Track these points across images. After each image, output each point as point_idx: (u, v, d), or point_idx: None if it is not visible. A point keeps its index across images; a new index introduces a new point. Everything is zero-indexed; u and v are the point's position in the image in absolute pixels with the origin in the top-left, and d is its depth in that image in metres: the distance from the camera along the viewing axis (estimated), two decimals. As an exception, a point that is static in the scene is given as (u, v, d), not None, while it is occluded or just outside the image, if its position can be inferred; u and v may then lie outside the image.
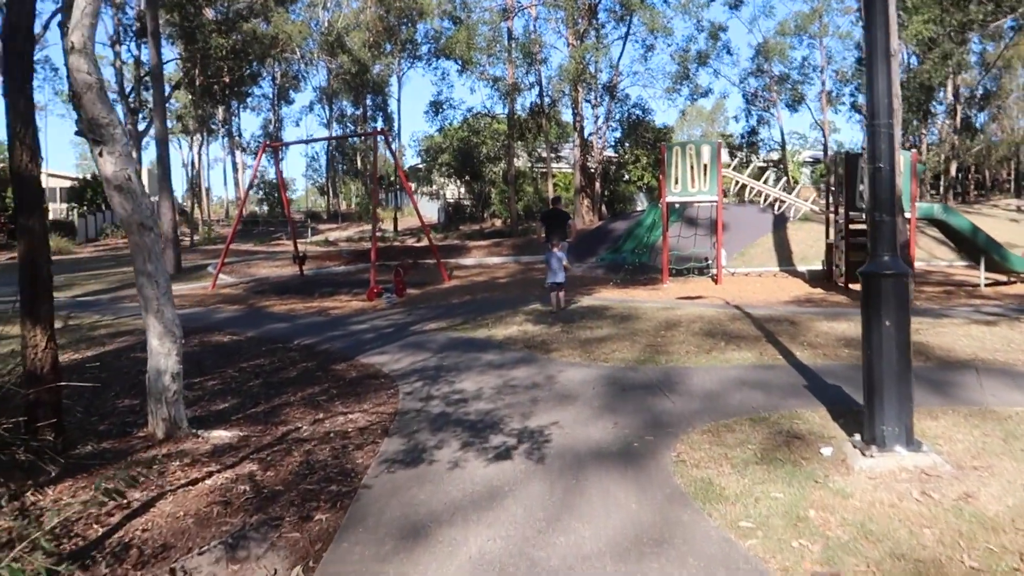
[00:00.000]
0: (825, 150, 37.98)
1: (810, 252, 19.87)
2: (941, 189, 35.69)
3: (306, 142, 33.07)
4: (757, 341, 7.79)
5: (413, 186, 53.58)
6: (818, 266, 18.52)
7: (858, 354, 6.97)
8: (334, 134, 52.62)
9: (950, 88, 37.16)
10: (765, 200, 15.32)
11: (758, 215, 22.35)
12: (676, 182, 14.84)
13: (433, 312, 11.20)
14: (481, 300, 12.86)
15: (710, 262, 17.53)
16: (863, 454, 4.07)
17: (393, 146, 53.92)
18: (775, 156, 41.92)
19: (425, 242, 36.15)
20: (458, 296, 13.75)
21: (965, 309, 10.04)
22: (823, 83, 36.47)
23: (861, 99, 41.63)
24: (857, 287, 13.57)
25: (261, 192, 40.27)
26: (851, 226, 13.46)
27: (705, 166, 14.61)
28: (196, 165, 51.11)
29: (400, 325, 9.81)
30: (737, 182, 15.75)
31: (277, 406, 5.49)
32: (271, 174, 65.13)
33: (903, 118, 36.61)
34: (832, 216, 15.03)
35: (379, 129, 15.10)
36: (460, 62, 26.95)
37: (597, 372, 6.51)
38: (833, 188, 15.22)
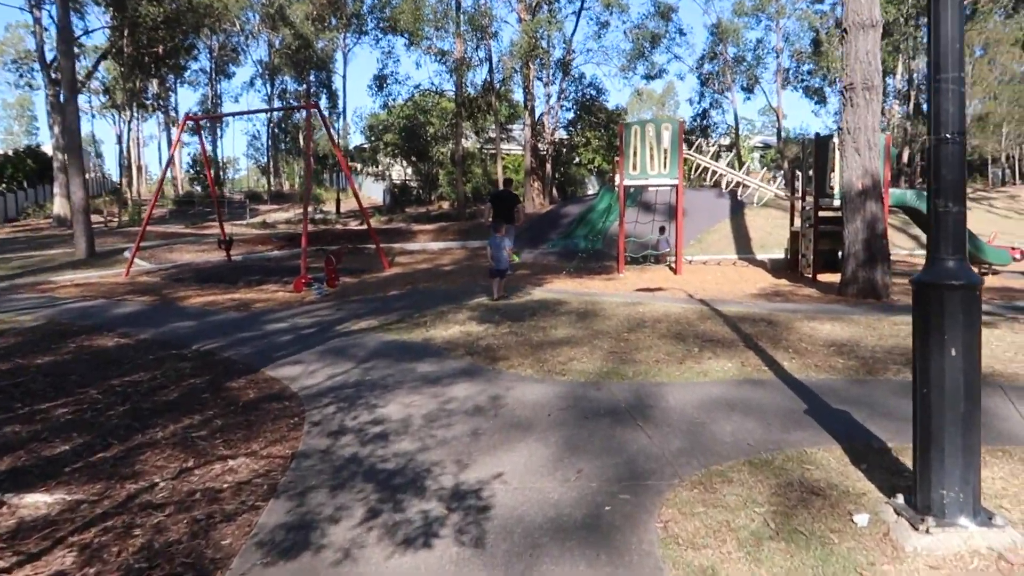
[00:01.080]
0: (779, 134, 37.57)
1: (769, 239, 19.13)
2: (892, 175, 35.64)
3: (231, 115, 31.05)
4: (735, 346, 6.76)
5: (358, 166, 51.72)
6: (778, 254, 17.76)
7: (854, 365, 5.99)
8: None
9: (899, 73, 37.12)
10: (728, 185, 14.39)
11: (715, 200, 21.54)
12: (635, 164, 13.78)
13: (367, 307, 9.92)
14: (422, 291, 11.62)
15: (668, 249, 16.57)
16: (915, 527, 3.01)
17: (338, 124, 51.97)
18: (725, 141, 41.43)
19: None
20: (397, 286, 12.47)
21: (949, 305, 9.22)
22: (779, 64, 35.92)
23: (815, 82, 41.41)
24: (826, 278, 12.76)
25: (193, 171, 37.94)
26: (820, 213, 12.61)
27: (665, 148, 13.58)
28: (128, 141, 48.22)
29: (326, 323, 8.51)
30: (697, 165, 14.77)
31: (136, 447, 4.20)
32: (194, 147, 62.41)
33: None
34: (799, 203, 14.18)
35: (310, 102, 13.53)
36: (407, 36, 25.45)
37: (553, 390, 5.37)
38: (799, 173, 14.35)
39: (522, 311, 9.02)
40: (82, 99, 64.67)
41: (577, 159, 36.24)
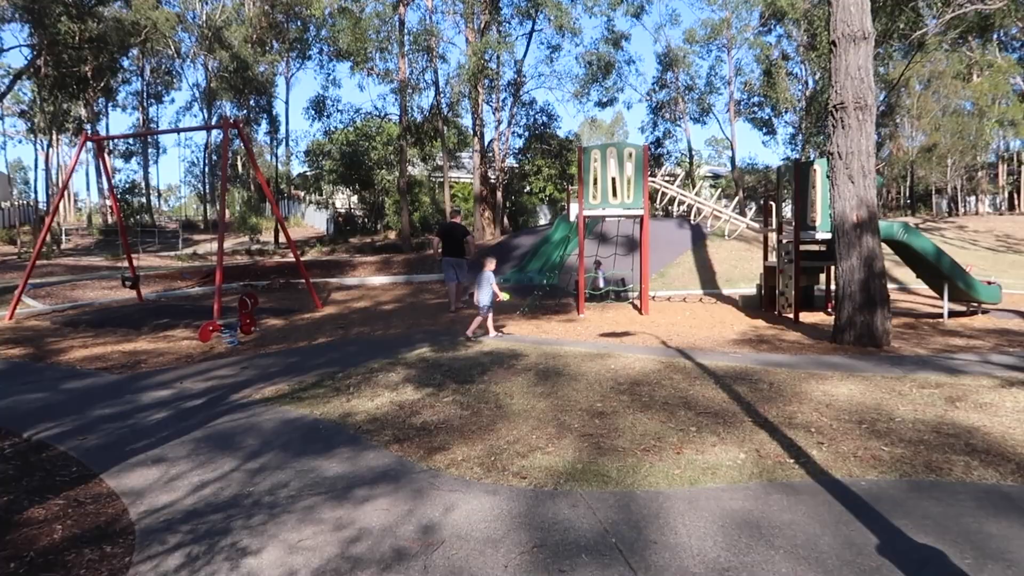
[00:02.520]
0: (733, 163, 37.02)
1: (734, 273, 17.99)
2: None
3: (137, 136, 28.48)
4: (739, 423, 5.31)
5: (301, 194, 49.61)
6: (746, 290, 16.59)
7: (905, 455, 4.53)
8: (213, 137, 47.98)
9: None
10: (696, 215, 13.15)
11: (675, 230, 20.39)
12: (595, 193, 12.43)
13: (282, 362, 8.22)
14: (354, 339, 9.95)
15: (631, 286, 15.24)
16: None
17: (279, 151, 49.92)
18: (676, 171, 40.73)
19: (310, 255, 32.62)
20: (327, 332, 10.77)
21: (964, 356, 7.97)
22: (731, 94, 35.42)
23: (765, 114, 41.18)
24: (808, 318, 11.53)
25: (106, 198, 35.51)
26: (800, 247, 11.41)
27: (629, 175, 12.27)
28: (49, 168, 45.33)
29: (222, 389, 6.79)
30: (663, 193, 13.49)
31: None
32: (126, 173, 59.27)
33: (811, 132, 36.13)
34: (771, 236, 12.99)
35: (230, 120, 11.90)
36: (349, 58, 23.90)
37: (511, 508, 3.80)
38: (772, 204, 13.19)
39: (471, 368, 7.45)
40: (8, 122, 61.35)
41: (528, 188, 35.01)
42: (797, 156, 41.03)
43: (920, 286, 14.39)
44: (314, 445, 4.91)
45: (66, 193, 66.91)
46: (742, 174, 42.56)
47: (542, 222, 40.55)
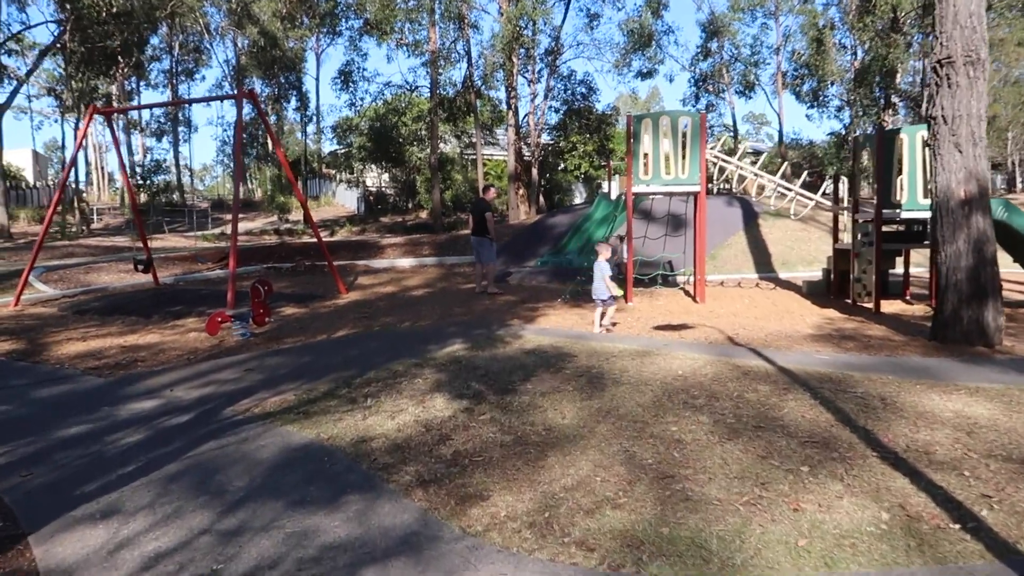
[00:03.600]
0: (781, 137, 35.18)
1: (791, 255, 16.60)
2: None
3: (147, 107, 27.55)
4: (861, 458, 4.11)
5: (333, 173, 48.78)
6: (804, 273, 15.24)
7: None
8: (241, 114, 47.31)
9: (898, 76, 34.96)
10: (759, 192, 11.81)
11: (725, 208, 18.99)
12: (646, 167, 11.16)
13: (294, 362, 7.17)
14: (377, 332, 8.88)
15: (683, 270, 13.97)
16: None
17: (310, 128, 49.08)
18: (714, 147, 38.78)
19: (339, 235, 31.72)
20: (349, 322, 9.73)
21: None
22: (779, 64, 33.51)
23: (810, 85, 39.07)
24: (890, 307, 10.20)
25: (140, 178, 34.89)
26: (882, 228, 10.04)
27: (684, 147, 10.97)
28: (77, 145, 45.06)
29: (217, 400, 5.76)
30: (720, 168, 12.16)
31: None
32: (158, 153, 58.77)
33: (863, 104, 34.10)
34: (845, 215, 11.62)
35: (244, 91, 10.89)
36: (378, 31, 22.73)
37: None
38: (844, 180, 11.78)
39: (511, 372, 6.32)
40: (44, 102, 61.39)
41: (563, 165, 33.65)
42: (843, 131, 38.96)
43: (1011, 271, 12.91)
44: (316, 489, 3.82)
45: (101, 172, 67.07)
46: (786, 149, 40.62)
47: (577, 201, 39.17)
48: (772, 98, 35.99)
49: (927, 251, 12.83)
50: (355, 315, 10.50)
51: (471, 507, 3.55)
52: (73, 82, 36.15)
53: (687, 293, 12.73)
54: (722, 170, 12.25)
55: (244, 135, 53.09)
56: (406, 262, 19.37)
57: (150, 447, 4.53)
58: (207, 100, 34.46)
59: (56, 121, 57.43)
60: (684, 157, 10.96)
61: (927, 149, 9.53)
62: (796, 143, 47.67)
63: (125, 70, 43.20)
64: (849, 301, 10.99)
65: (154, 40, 48.32)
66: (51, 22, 34.69)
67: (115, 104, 48.48)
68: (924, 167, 9.56)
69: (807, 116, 61.60)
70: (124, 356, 7.74)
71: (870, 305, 10.38)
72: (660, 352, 7.17)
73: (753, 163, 50.51)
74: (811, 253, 16.84)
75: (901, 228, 10.95)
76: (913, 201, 9.60)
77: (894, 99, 32.28)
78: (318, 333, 8.97)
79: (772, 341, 7.87)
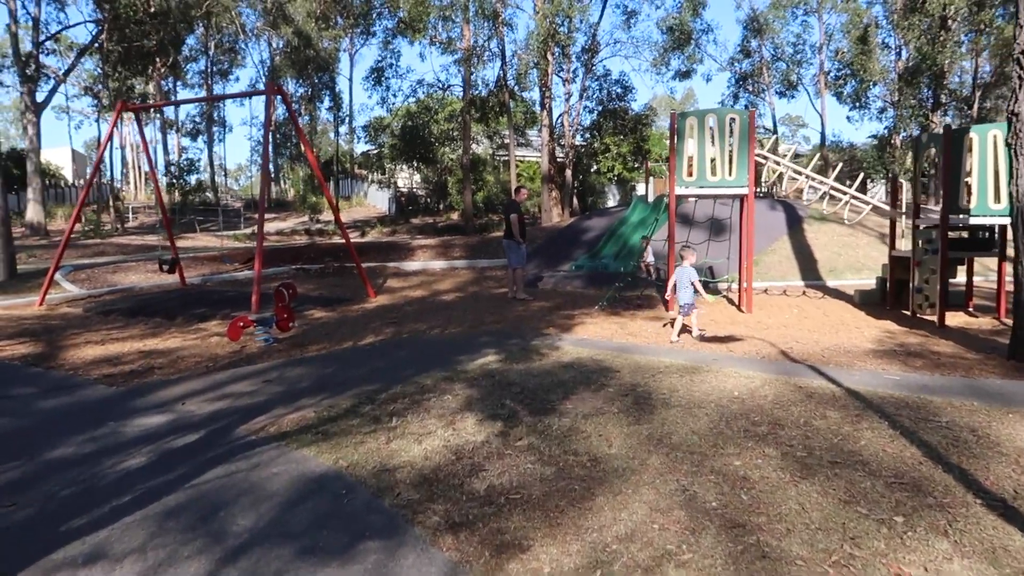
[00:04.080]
0: (823, 139, 34.15)
1: (838, 262, 15.85)
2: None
3: (174, 104, 27.35)
4: (963, 506, 3.51)
5: (365, 173, 48.65)
6: (854, 280, 14.51)
7: None
8: (275, 114, 47.37)
9: (947, 76, 33.68)
10: (799, 194, 11.10)
11: (768, 212, 18.26)
12: (690, 167, 10.56)
13: (316, 373, 6.72)
14: (406, 340, 8.42)
15: (727, 276, 13.32)
16: None
17: (342, 128, 49.02)
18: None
19: (369, 236, 31.44)
20: (376, 328, 9.29)
21: None
22: (821, 63, 32.51)
23: (851, 86, 37.89)
24: (953, 320, 9.48)
25: (173, 177, 34.97)
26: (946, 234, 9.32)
27: (732, 147, 10.36)
28: (105, 142, 45.49)
29: (231, 416, 5.32)
30: (770, 170, 11.50)
31: None
32: (193, 152, 59.06)
33: (910, 105, 32.90)
34: (902, 220, 10.90)
35: (273, 87, 10.50)
36: (412, 30, 22.35)
37: None
38: (902, 182, 11.06)
39: (549, 389, 5.79)
40: (84, 102, 62.34)
41: (596, 167, 33.02)
42: (886, 132, 37.72)
43: None
44: (330, 532, 3.32)
45: (138, 170, 67.90)
46: (828, 152, 39.49)
47: (611, 203, 38.52)
48: (814, 99, 34.84)
49: (989, 260, 12.05)
50: (383, 321, 10.07)
51: (509, 560, 3.03)
52: (110, 81, 36.46)
53: (731, 301, 12.10)
54: (771, 172, 11.59)
55: (277, 135, 53.28)
56: (437, 264, 18.95)
57: (151, 473, 4.09)
58: (237, 96, 34.21)
59: (96, 120, 58.23)
60: (731, 158, 10.34)
61: (998, 150, 8.82)
62: (836, 145, 46.42)
63: (162, 70, 43.58)
64: (908, 313, 10.26)
65: (190, 41, 48.75)
66: (89, 22, 34.98)
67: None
68: (995, 169, 8.84)
69: (848, 118, 59.81)
70: (141, 362, 7.36)
71: (932, 318, 9.67)
72: (710, 368, 6.59)
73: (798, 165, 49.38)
74: (859, 260, 16.07)
75: (964, 235, 10.22)
76: (983, 206, 8.88)
77: (943, 99, 31.07)
78: (344, 340, 8.53)
79: (831, 357, 7.24)
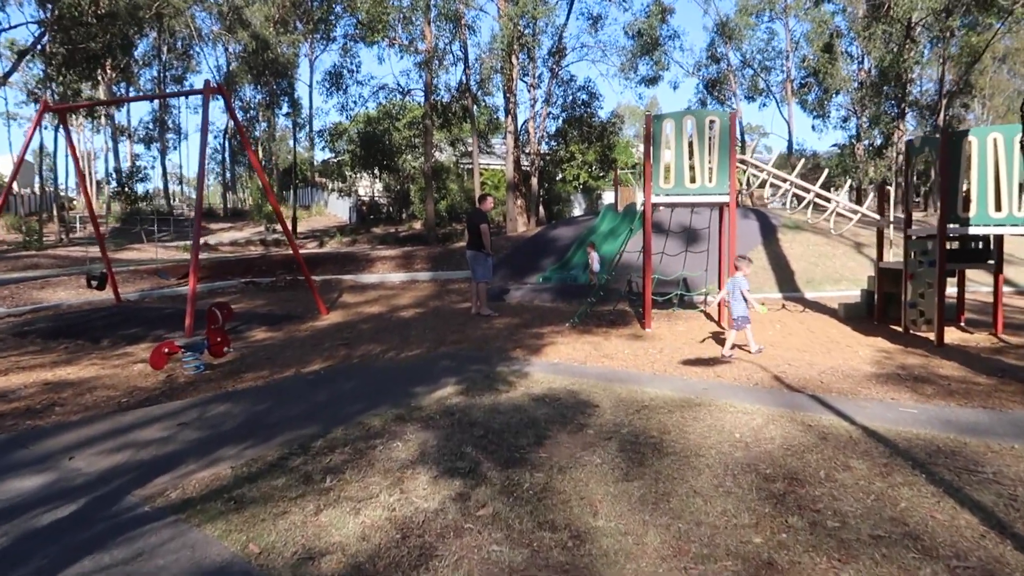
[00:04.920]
0: (790, 147, 33.90)
1: (815, 272, 15.27)
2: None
3: (102, 103, 25.83)
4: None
5: (325, 182, 47.34)
6: (833, 292, 13.92)
7: None
8: (229, 120, 45.88)
9: (910, 85, 33.75)
10: (800, 204, 10.37)
11: (741, 221, 17.60)
12: (667, 173, 9.80)
13: (245, 411, 5.74)
14: (356, 367, 7.47)
15: (704, 289, 12.60)
16: None
17: (301, 135, 47.71)
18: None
19: (328, 247, 30.30)
20: (325, 351, 8.33)
21: None
22: (788, 71, 32.27)
23: (815, 95, 37.81)
24: (950, 336, 8.83)
25: (114, 182, 33.33)
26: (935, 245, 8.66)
27: (712, 151, 9.63)
28: (25, 145, 43.59)
29: (126, 475, 4.33)
30: (750, 174, 10.79)
31: None
32: (146, 160, 57.13)
33: (874, 114, 32.81)
34: (888, 229, 10.26)
35: (210, 85, 9.41)
36: (372, 36, 21.34)
37: None
38: (888, 189, 10.45)
39: (518, 431, 4.91)
40: (32, 108, 59.96)
41: (560, 175, 32.33)
42: (852, 141, 37.72)
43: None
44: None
45: (90, 178, 65.56)
46: (797, 159, 39.37)
47: (576, 212, 37.90)
48: (782, 105, 34.60)
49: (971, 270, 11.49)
50: (333, 342, 9.10)
51: None
52: (55, 85, 34.78)
53: (708, 316, 11.37)
54: (754, 179, 10.90)
55: (234, 141, 51.70)
56: (397, 277, 17.97)
57: (-5, 569, 3.10)
58: (171, 96, 32.93)
59: (45, 127, 55.99)
60: (712, 163, 9.60)
61: (998, 155, 8.20)
62: (801, 154, 46.50)
63: (111, 74, 41.91)
64: (899, 329, 9.60)
65: (143, 46, 47.12)
66: (32, 23, 33.31)
67: (102, 109, 47.10)
68: (996, 175, 8.21)
69: (812, 127, 60.17)
70: (42, 398, 6.30)
71: (927, 335, 9.01)
72: (701, 401, 5.76)
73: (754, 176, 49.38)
74: (837, 270, 15.52)
75: (955, 245, 9.60)
76: (983, 215, 8.24)
77: (905, 108, 31.03)
78: (286, 366, 7.55)
79: (831, 383, 6.48)
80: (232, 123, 46.89)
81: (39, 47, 32.36)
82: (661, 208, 15.36)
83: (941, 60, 27.79)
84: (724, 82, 32.08)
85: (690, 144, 9.66)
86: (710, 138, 9.56)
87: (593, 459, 4.37)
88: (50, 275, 15.87)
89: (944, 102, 29.81)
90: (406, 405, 5.71)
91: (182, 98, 56.13)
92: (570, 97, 25.94)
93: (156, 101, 48.62)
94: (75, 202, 62.18)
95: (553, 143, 28.81)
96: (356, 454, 4.53)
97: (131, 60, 43.12)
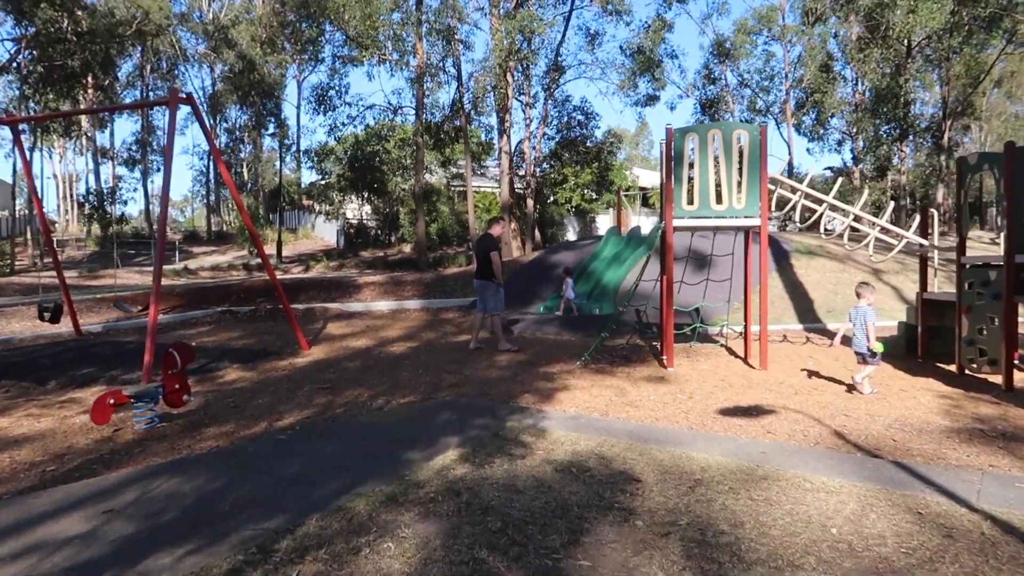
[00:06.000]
0: (791, 168, 33.12)
1: (836, 301, 14.24)
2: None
3: (58, 116, 24.53)
4: None
5: (313, 204, 46.20)
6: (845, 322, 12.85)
7: None
8: (217, 142, 44.80)
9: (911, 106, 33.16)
10: (836, 231, 9.35)
11: (751, 247, 16.64)
12: (690, 194, 8.77)
13: (196, 491, 4.58)
14: (338, 422, 6.30)
15: (726, 321, 11.55)
16: None
17: (287, 157, 46.62)
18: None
19: (314, 271, 29.10)
20: (302, 400, 7.17)
21: None
22: (788, 91, 31.58)
23: (809, 119, 37.16)
24: (996, 378, 7.76)
25: (91, 205, 32.12)
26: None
27: (740, 169, 8.62)
28: (33, 171, 42.35)
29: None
30: (779, 195, 9.76)
31: None
32: (128, 182, 55.75)
33: (872, 137, 32.11)
34: (932, 255, 9.24)
35: (176, 94, 8.32)
36: (356, 40, 20.35)
37: None
38: (933, 212, 9.47)
39: (544, 521, 3.78)
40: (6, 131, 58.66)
41: (553, 198, 31.40)
42: (851, 164, 37.05)
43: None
44: None
45: (71, 201, 64.15)
46: (799, 180, 38.67)
47: (570, 236, 36.93)
48: (780, 126, 33.88)
49: None
50: (313, 385, 7.94)
51: None
52: (32, 103, 33.60)
53: (731, 351, 10.29)
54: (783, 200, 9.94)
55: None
56: (386, 305, 16.82)
57: None
58: (136, 107, 31.78)
59: (28, 148, 54.67)
60: (740, 182, 8.58)
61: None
62: (796, 177, 45.88)
63: (91, 92, 40.78)
64: (951, 368, 8.55)
65: (127, 67, 46.10)
66: (8, 40, 32.18)
67: (83, 130, 45.93)
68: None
69: (807, 150, 59.83)
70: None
71: (987, 376, 7.95)
72: (767, 473, 4.65)
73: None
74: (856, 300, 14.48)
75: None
76: (1058, 240, 7.23)
77: (908, 129, 30.32)
78: (256, 419, 6.38)
79: (906, 442, 5.40)
80: (221, 145, 45.81)
81: (14, 64, 31.29)
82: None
83: (945, 80, 27.13)
84: (721, 102, 31.35)
85: (715, 161, 8.65)
86: (739, 153, 8.55)
87: (652, 569, 3.25)
88: (6, 304, 14.62)
89: (949, 123, 29.08)
90: (399, 479, 4.57)
91: (165, 118, 55.02)
92: (565, 117, 25.06)
93: (140, 122, 47.51)
94: (56, 225, 60.70)
95: (546, 165, 27.91)
96: (334, 561, 3.39)
97: (114, 79, 42.15)
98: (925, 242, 8.96)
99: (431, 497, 4.22)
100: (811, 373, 8.47)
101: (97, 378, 8.55)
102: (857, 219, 9.32)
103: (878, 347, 7.36)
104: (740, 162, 8.59)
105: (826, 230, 10.77)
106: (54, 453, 5.47)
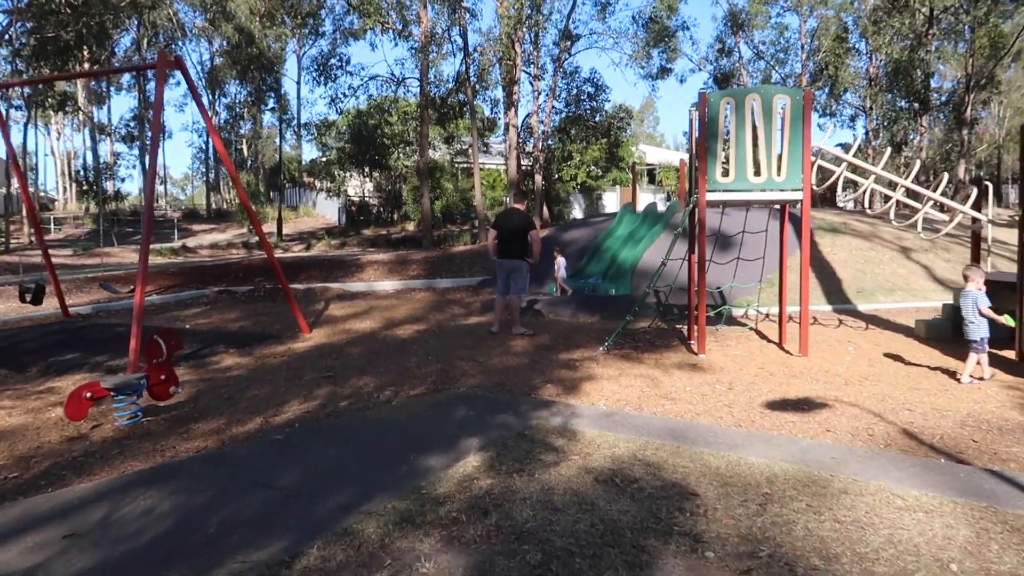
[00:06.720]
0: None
1: (865, 281, 13.54)
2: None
3: (31, 83, 23.58)
4: None
5: (314, 182, 45.40)
6: (887, 303, 12.25)
7: None
8: (216, 118, 43.90)
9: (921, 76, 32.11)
10: (891, 207, 8.58)
11: (772, 223, 15.91)
12: (725, 165, 8.04)
13: (176, 507, 3.91)
14: (342, 416, 5.63)
15: (753, 303, 10.86)
16: None
17: (288, 134, 45.74)
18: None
19: (315, 250, 28.40)
20: (302, 389, 6.50)
21: None
22: (804, 64, 30.59)
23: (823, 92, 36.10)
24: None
25: (87, 181, 31.33)
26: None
27: (779, 139, 7.88)
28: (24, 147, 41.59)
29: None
30: (820, 167, 8.98)
31: None
32: (128, 158, 54.91)
33: (891, 110, 31.14)
34: (988, 231, 8.51)
35: (165, 57, 7.57)
36: (358, 8, 19.49)
37: None
38: (988, 185, 8.70)
39: (592, 545, 3.11)
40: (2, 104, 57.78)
41: (558, 175, 30.58)
42: (864, 139, 36.06)
43: None
44: None
45: (70, 178, 63.30)
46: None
47: (576, 213, 36.15)
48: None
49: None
50: (314, 373, 7.27)
51: None
52: (19, 75, 32.69)
53: (761, 335, 9.60)
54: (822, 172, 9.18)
55: (223, 136, 49.60)
56: (390, 284, 16.13)
57: None
58: (120, 71, 30.91)
59: (16, 123, 53.85)
60: (780, 152, 7.84)
61: None
62: (815, 153, 44.75)
63: (87, 67, 39.80)
64: (1010, 355, 7.86)
65: (125, 41, 45.06)
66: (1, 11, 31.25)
67: (79, 104, 45.03)
68: None
69: (819, 126, 58.64)
70: None
71: (1053, 364, 7.27)
72: (843, 483, 3.98)
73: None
74: (887, 279, 13.80)
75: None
76: None
77: (930, 102, 29.32)
78: (250, 414, 5.72)
79: (989, 443, 4.74)
80: (219, 121, 44.94)
81: (6, 37, 30.39)
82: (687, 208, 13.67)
83: (970, 52, 26.14)
84: (735, 76, 30.38)
85: (753, 129, 7.90)
86: (779, 122, 7.80)
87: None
88: (5, 284, 13.96)
89: (971, 96, 28.08)
90: (414, 492, 3.90)
91: (166, 96, 54.14)
92: (575, 90, 24.17)
93: (137, 97, 46.51)
94: (55, 203, 59.92)
95: (552, 142, 27.07)
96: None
97: (111, 54, 41.21)
98: (982, 216, 8.22)
99: (454, 517, 3.55)
100: (858, 364, 7.77)
101: (81, 364, 7.90)
102: (910, 194, 8.56)
103: (1009, 320, 6.70)
104: (780, 130, 7.84)
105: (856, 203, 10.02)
106: (20, 455, 4.81)
